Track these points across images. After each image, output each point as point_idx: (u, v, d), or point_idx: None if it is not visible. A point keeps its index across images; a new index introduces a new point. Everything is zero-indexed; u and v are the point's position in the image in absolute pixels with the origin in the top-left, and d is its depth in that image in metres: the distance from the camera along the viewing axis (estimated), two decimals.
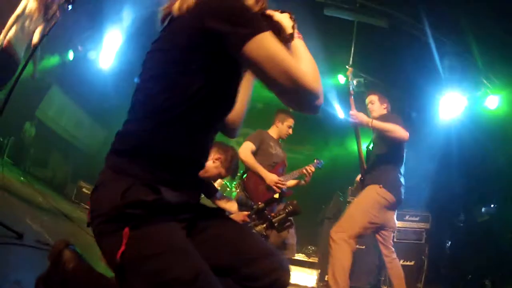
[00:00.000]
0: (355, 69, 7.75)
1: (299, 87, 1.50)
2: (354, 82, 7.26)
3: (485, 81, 6.57)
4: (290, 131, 5.38)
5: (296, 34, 1.74)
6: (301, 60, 1.63)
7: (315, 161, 5.42)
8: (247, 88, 2.02)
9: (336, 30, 7.47)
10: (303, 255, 7.06)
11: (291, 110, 5.40)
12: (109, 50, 7.93)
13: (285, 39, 1.70)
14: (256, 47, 1.45)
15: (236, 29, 1.45)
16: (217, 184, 7.55)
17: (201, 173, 3.94)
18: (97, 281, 1.57)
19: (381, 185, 4.31)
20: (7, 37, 4.80)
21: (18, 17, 4.88)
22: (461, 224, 6.94)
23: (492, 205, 6.77)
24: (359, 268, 6.41)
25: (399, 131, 4.22)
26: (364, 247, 6.35)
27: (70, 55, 7.67)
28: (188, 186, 1.61)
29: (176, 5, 1.59)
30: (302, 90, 1.50)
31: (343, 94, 5.25)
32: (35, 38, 5.00)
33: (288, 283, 1.81)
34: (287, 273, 1.82)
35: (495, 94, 6.62)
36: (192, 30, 1.51)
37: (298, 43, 1.72)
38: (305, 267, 6.67)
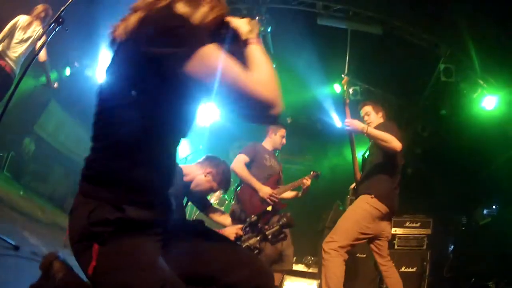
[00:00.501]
0: (351, 77, 7.84)
1: (248, 98, 1.43)
2: (350, 91, 7.32)
3: (481, 82, 6.57)
4: (284, 140, 5.36)
5: (253, 40, 1.67)
6: (255, 67, 1.56)
7: (312, 173, 5.39)
8: None
9: (330, 39, 7.54)
10: (303, 265, 6.99)
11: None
12: (105, 66, 7.92)
13: (241, 45, 1.66)
14: (197, 64, 1.39)
15: (174, 50, 1.40)
16: (216, 197, 7.54)
17: (193, 187, 4.02)
18: None
19: (372, 195, 4.19)
20: None
21: (10, 31, 5.02)
22: (463, 228, 6.90)
23: (493, 206, 6.74)
24: (360, 277, 6.39)
25: (392, 141, 4.12)
26: (364, 255, 6.32)
27: (67, 71, 7.77)
28: (155, 204, 1.61)
29: (119, 30, 1.57)
30: (252, 100, 1.43)
31: (340, 103, 5.26)
32: (42, 54, 5.07)
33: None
34: (269, 279, 1.86)
35: (493, 94, 6.63)
36: (135, 56, 1.48)
37: (255, 49, 1.65)
38: (305, 277, 6.61)
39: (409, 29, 6.70)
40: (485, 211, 6.80)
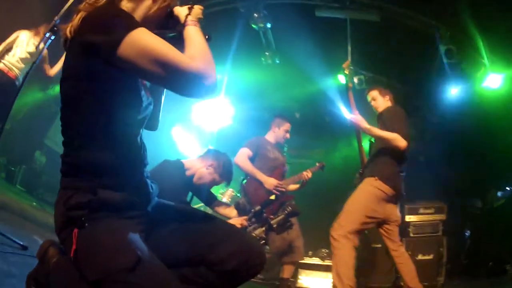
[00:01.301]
0: (355, 67, 7.81)
1: (180, 72, 1.53)
2: (355, 80, 7.26)
3: (484, 61, 6.47)
4: (287, 135, 5.39)
5: (188, 22, 1.77)
6: (188, 44, 1.68)
7: (317, 164, 5.43)
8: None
9: (331, 30, 7.51)
10: (318, 258, 6.92)
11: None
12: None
13: (179, 29, 1.78)
14: (127, 47, 1.49)
15: (107, 36, 1.50)
16: (228, 196, 7.56)
17: (196, 180, 4.09)
18: (75, 272, 1.65)
19: (376, 177, 4.17)
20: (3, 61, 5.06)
21: (11, 43, 5.15)
22: (478, 212, 6.78)
23: (507, 188, 6.61)
24: (377, 267, 6.34)
25: (397, 140, 4.10)
26: (380, 245, 6.28)
27: None
28: (127, 186, 1.69)
29: (67, 30, 1.65)
30: (183, 73, 1.54)
31: (345, 94, 5.24)
32: (55, 68, 5.23)
33: (260, 262, 1.89)
34: (257, 253, 1.90)
35: (498, 73, 6.50)
36: (79, 49, 1.58)
37: (190, 29, 1.75)
38: (320, 270, 6.53)
39: (406, 13, 6.61)
40: (499, 193, 6.70)
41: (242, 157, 4.99)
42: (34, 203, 5.94)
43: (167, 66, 1.51)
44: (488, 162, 6.74)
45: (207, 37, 1.80)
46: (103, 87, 1.61)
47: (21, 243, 3.47)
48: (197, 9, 1.84)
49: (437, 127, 7.31)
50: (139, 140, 1.81)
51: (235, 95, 8.93)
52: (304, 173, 5.15)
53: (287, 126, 5.38)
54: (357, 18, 6.99)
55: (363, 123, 4.30)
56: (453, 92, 7.12)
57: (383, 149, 4.31)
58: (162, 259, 1.59)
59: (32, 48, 5.23)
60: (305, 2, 7.26)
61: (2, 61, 5.12)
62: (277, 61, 8.43)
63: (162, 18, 1.85)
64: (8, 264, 3.20)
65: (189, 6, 1.84)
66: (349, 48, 7.43)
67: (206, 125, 9.19)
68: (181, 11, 1.83)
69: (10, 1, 5.62)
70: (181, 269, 1.84)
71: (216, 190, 7.09)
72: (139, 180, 1.80)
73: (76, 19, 1.61)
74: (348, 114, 4.41)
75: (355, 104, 4.64)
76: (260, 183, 4.87)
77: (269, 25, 7.55)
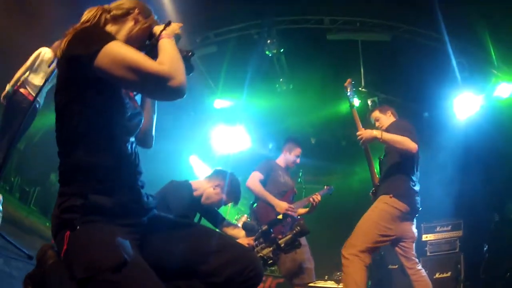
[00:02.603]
0: (369, 88, 7.82)
1: (148, 76, 1.68)
2: (369, 102, 7.21)
3: (495, 71, 6.40)
4: (298, 160, 5.35)
5: (162, 35, 1.93)
6: (159, 54, 1.83)
7: (325, 187, 5.41)
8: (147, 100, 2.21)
9: (343, 53, 7.59)
10: (332, 281, 6.75)
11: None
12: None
13: (153, 42, 1.94)
14: (103, 56, 1.65)
15: (86, 49, 1.67)
16: (242, 221, 7.49)
17: (204, 200, 4.12)
18: (67, 273, 1.70)
19: (391, 195, 4.02)
20: (21, 81, 5.05)
21: (33, 63, 5.13)
22: (495, 226, 6.55)
23: None
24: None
25: (407, 143, 3.99)
26: (396, 266, 6.11)
27: None
28: (117, 191, 1.77)
29: (58, 52, 1.81)
30: (151, 77, 1.69)
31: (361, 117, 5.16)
32: None
33: (255, 274, 1.88)
34: (252, 264, 1.90)
35: (508, 82, 6.40)
36: (65, 64, 1.76)
37: (162, 41, 1.90)
38: None
39: (416, 30, 6.66)
40: None
41: (253, 181, 4.97)
42: (47, 224, 6.00)
43: (138, 71, 1.67)
44: (503, 174, 6.52)
45: (190, 53, 2.02)
46: (87, 96, 1.75)
47: (27, 253, 3.52)
48: (175, 25, 2.01)
49: (448, 141, 7.16)
50: (129, 147, 1.89)
51: (251, 122, 9.01)
52: (313, 196, 5.11)
53: (298, 151, 5.36)
54: (368, 39, 7.03)
55: (370, 132, 4.22)
56: (464, 106, 7.04)
57: (394, 164, 4.19)
58: (155, 268, 1.65)
59: (52, 67, 5.19)
60: (316, 27, 7.34)
61: (27, 86, 5.10)
62: (291, 87, 8.52)
63: (144, 38, 2.04)
64: (10, 268, 3.28)
65: (166, 23, 2.00)
66: (362, 70, 7.49)
67: (223, 150, 9.27)
68: (157, 28, 2.00)
69: (26, 13, 5.66)
70: (175, 281, 1.86)
71: (231, 217, 7.08)
72: (132, 186, 1.87)
73: (64, 41, 1.77)
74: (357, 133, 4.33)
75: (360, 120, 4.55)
76: (271, 207, 4.84)
77: (282, 51, 7.67)
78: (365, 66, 7.44)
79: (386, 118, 4.56)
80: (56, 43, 5.31)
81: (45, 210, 6.75)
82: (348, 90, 4.70)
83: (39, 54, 5.21)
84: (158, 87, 1.73)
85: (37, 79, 5.17)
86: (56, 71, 1.87)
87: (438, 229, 6.31)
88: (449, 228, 6.28)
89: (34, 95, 5.03)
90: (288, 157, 5.33)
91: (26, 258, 3.57)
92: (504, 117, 6.62)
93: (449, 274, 5.89)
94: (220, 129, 9.13)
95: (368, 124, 4.58)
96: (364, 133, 4.17)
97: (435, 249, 6.22)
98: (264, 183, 5.00)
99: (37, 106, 5.10)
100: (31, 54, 5.21)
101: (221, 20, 7.41)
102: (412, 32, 6.74)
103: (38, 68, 5.20)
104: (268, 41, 7.54)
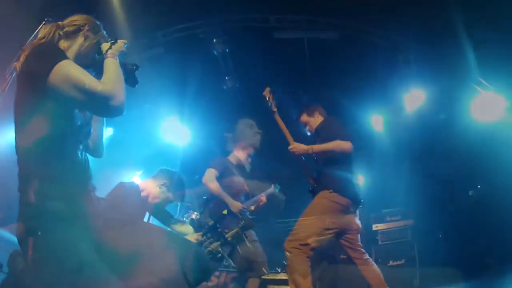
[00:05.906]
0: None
1: (92, 95, 1.87)
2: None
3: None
4: (249, 159, 5.46)
5: (107, 55, 2.14)
6: (103, 74, 2.04)
7: (271, 186, 5.73)
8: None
9: (291, 52, 7.64)
10: (284, 274, 6.76)
11: None
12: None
13: (99, 62, 2.15)
14: (55, 74, 1.84)
15: (41, 67, 1.86)
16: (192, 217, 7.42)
17: (151, 200, 4.20)
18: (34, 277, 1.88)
19: (330, 190, 4.13)
20: None
21: None
22: (449, 212, 6.88)
23: (478, 186, 6.79)
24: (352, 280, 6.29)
25: (340, 146, 4.14)
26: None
27: None
28: (77, 197, 1.94)
29: (16, 67, 2.01)
30: (94, 96, 1.88)
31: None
32: None
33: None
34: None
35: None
36: (22, 79, 1.94)
37: (107, 61, 2.12)
38: (288, 285, 6.40)
39: (365, 28, 6.83)
40: (470, 193, 6.86)
41: (210, 178, 4.98)
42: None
43: (83, 90, 1.86)
44: (455, 163, 6.81)
45: (134, 67, 2.27)
46: (41, 106, 1.89)
47: None
48: (120, 43, 2.22)
49: (401, 133, 7.42)
50: (80, 154, 2.07)
51: (197, 119, 8.93)
52: (261, 197, 5.43)
53: (250, 150, 5.41)
54: (316, 37, 7.12)
55: (301, 147, 4.29)
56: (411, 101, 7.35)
57: (330, 161, 4.30)
58: (110, 268, 1.85)
59: None
60: (263, 25, 7.33)
61: None
62: (237, 85, 8.51)
63: (94, 53, 2.26)
64: None
65: (112, 41, 2.21)
66: (308, 68, 7.60)
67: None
68: (104, 46, 2.21)
69: None
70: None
71: (181, 215, 7.00)
72: (84, 191, 2.04)
73: (22, 56, 1.97)
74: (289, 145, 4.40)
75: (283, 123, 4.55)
76: (225, 205, 4.90)
77: (227, 50, 7.65)
78: (311, 63, 7.53)
79: (314, 120, 4.70)
80: None
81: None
82: (268, 99, 4.72)
83: None
84: (101, 105, 1.94)
85: None
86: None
87: (388, 218, 6.57)
88: (398, 217, 6.54)
89: None
90: (240, 154, 5.40)
91: None
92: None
93: (402, 261, 6.17)
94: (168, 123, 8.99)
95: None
96: (296, 147, 4.29)
97: (385, 238, 6.49)
98: (218, 179, 5.02)
99: None
100: None
101: (168, 20, 7.26)
102: (358, 29, 6.90)
103: None
104: (215, 40, 7.49)
